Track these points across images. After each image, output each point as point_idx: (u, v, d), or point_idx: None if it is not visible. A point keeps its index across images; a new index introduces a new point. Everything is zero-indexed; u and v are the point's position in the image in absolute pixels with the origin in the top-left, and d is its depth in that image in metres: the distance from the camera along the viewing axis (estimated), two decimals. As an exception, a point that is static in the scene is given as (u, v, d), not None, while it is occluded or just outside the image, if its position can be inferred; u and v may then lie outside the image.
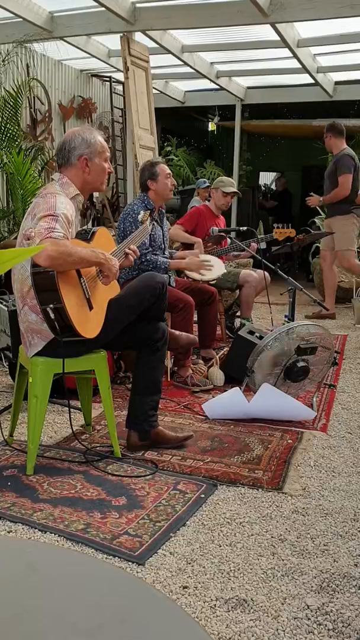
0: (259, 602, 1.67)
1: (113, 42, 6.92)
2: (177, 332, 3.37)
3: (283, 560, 1.89)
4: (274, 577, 1.80)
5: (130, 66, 6.23)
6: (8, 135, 5.97)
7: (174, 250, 4.24)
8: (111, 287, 2.60)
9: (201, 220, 4.66)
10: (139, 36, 6.45)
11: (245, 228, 4.91)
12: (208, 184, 7.04)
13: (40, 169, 6.47)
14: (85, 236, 2.51)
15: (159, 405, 2.78)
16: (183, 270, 4.05)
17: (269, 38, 6.46)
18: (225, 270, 4.33)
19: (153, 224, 3.65)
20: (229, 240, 4.65)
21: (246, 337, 3.60)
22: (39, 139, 7.40)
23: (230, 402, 3.10)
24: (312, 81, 7.97)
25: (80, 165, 2.55)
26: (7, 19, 6.29)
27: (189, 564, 1.85)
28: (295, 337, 3.22)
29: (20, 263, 2.37)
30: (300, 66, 7.23)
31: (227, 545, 1.96)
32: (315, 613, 1.64)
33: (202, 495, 2.28)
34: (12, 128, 6.01)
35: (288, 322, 3.57)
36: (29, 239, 2.32)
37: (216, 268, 4.12)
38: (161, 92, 9.03)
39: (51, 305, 2.27)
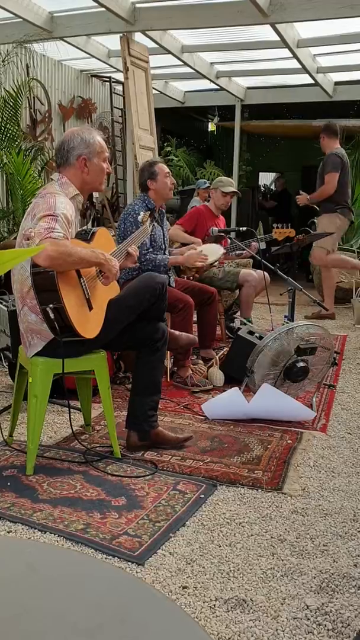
0: (259, 602, 1.67)
1: (113, 42, 6.92)
2: (177, 333, 3.37)
3: (282, 560, 1.89)
4: (273, 578, 1.80)
5: (130, 66, 6.23)
6: (8, 135, 5.98)
7: (173, 249, 4.24)
8: (111, 288, 2.60)
9: (201, 221, 4.66)
10: (138, 36, 6.45)
11: (244, 228, 4.91)
12: (208, 185, 7.04)
13: (40, 169, 6.47)
14: (85, 236, 2.51)
15: (159, 406, 2.78)
16: (182, 265, 4.07)
17: (269, 38, 6.46)
18: (224, 251, 4.35)
19: (153, 224, 3.65)
20: (228, 240, 4.65)
21: (246, 337, 3.60)
22: (39, 139, 7.40)
23: (229, 402, 3.10)
24: (312, 81, 7.98)
25: (79, 165, 2.55)
26: (7, 19, 6.29)
27: (189, 564, 1.85)
28: (295, 337, 3.22)
29: (20, 263, 2.37)
30: (300, 66, 7.23)
31: (226, 546, 1.96)
32: (315, 613, 1.64)
33: (202, 496, 2.28)
34: (12, 128, 6.01)
35: (288, 323, 3.57)
36: (28, 239, 2.32)
37: (214, 252, 4.16)
38: (161, 92, 9.03)
39: (51, 306, 2.27)
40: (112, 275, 2.50)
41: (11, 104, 6.00)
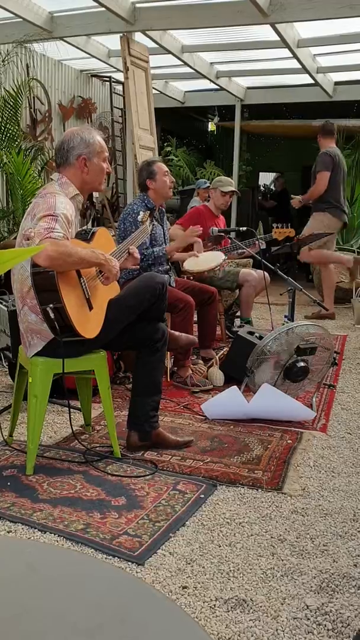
0: (259, 602, 1.67)
1: (113, 42, 6.92)
2: (177, 333, 3.37)
3: (282, 560, 1.89)
4: (273, 577, 1.80)
5: (130, 66, 6.23)
6: (8, 135, 5.97)
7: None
8: (111, 287, 2.60)
9: (201, 221, 4.65)
10: (138, 36, 6.45)
11: (244, 228, 4.91)
12: (208, 185, 7.04)
13: (40, 169, 6.47)
14: (85, 236, 2.51)
15: (159, 406, 2.78)
16: (180, 261, 4.07)
17: (269, 38, 6.46)
18: (224, 257, 4.35)
19: (154, 223, 3.65)
20: (229, 240, 4.65)
21: (246, 337, 3.60)
22: (39, 139, 7.40)
23: (229, 402, 3.10)
24: (312, 81, 7.98)
25: (78, 165, 2.55)
26: (7, 19, 6.29)
27: (189, 564, 1.85)
28: (295, 337, 3.22)
29: (20, 263, 2.37)
30: (300, 66, 7.23)
31: (226, 546, 1.96)
32: (315, 613, 1.64)
33: (202, 496, 2.28)
34: (12, 128, 6.01)
35: (288, 323, 3.57)
36: (28, 239, 2.32)
37: (215, 258, 4.15)
38: (161, 92, 9.03)
39: (51, 305, 2.27)
40: (112, 276, 2.50)
41: (11, 103, 6.00)
